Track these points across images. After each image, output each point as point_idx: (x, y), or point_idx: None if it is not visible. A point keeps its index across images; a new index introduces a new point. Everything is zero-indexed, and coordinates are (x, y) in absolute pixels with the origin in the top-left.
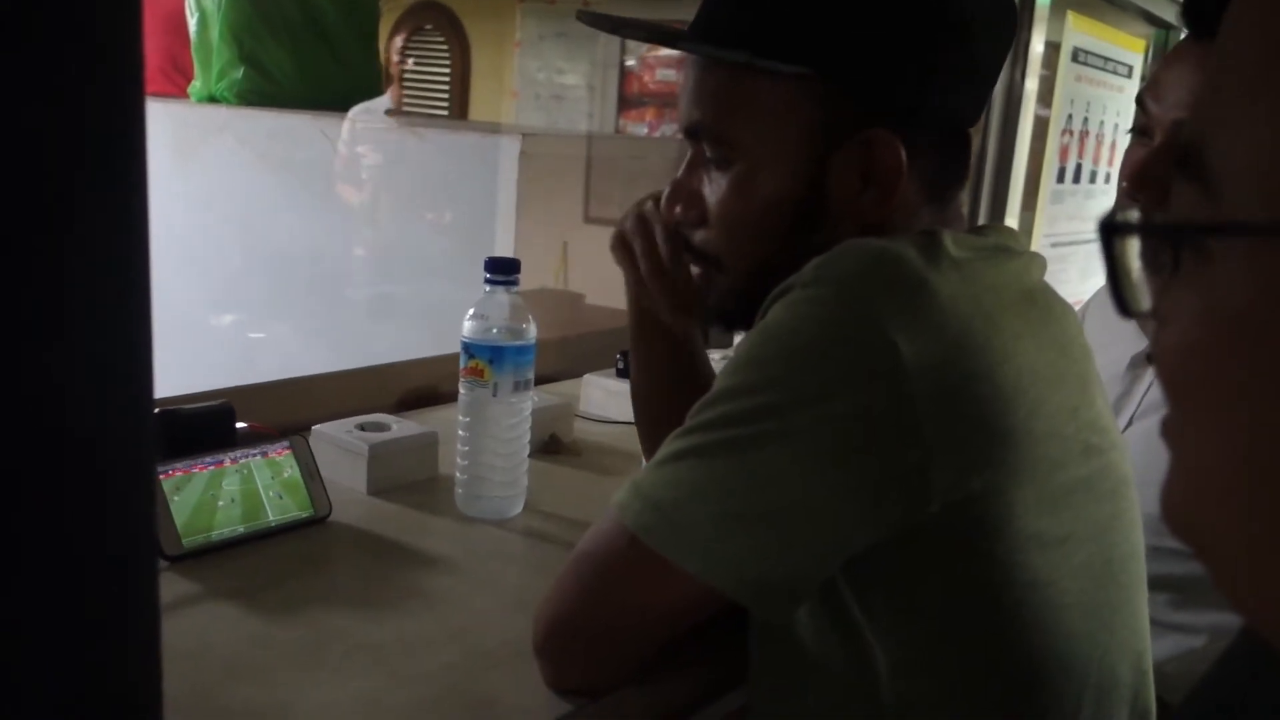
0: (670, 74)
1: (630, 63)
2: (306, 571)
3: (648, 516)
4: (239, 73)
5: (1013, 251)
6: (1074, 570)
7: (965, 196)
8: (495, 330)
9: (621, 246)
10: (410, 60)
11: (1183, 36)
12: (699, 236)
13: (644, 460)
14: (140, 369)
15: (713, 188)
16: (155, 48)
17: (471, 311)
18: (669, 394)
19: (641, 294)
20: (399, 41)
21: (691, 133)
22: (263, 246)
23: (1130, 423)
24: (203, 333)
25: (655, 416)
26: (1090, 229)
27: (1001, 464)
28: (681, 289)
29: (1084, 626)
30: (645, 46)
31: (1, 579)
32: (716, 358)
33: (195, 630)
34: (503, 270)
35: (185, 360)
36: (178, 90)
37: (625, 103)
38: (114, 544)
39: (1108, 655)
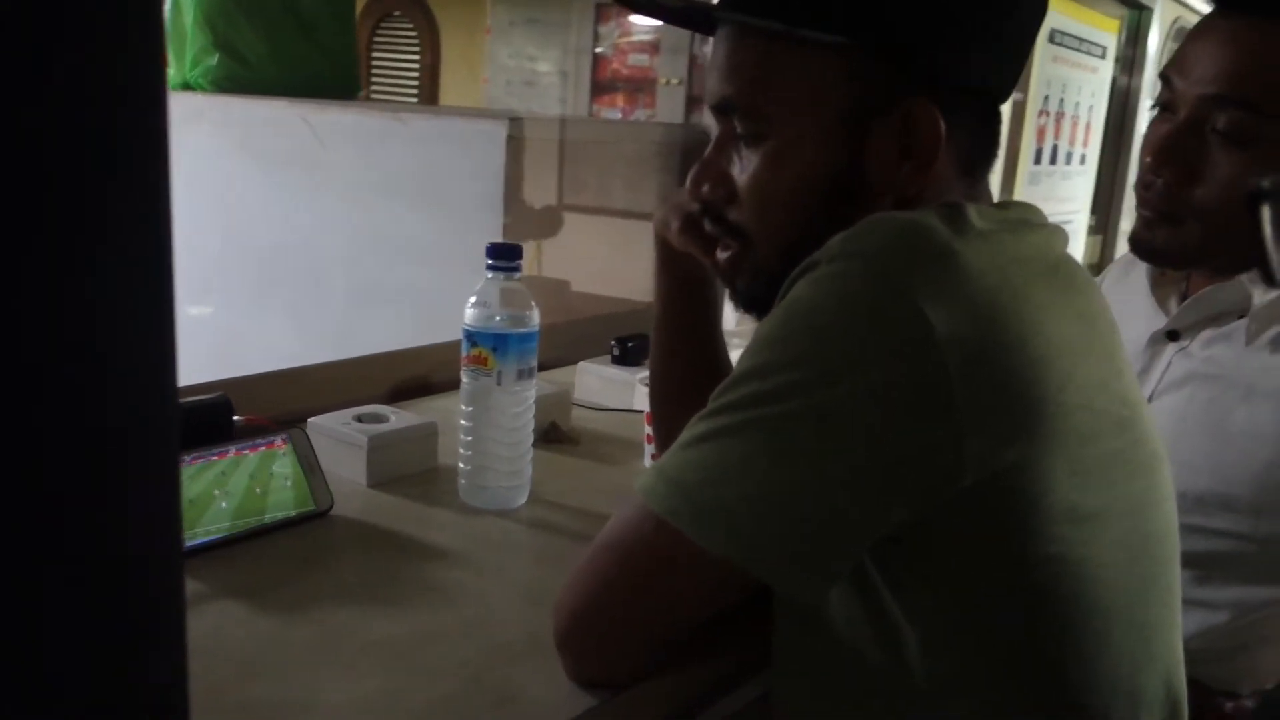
0: (643, 59)
1: (601, 49)
2: (313, 567)
3: (675, 500)
4: (214, 59)
5: (1035, 224)
6: (1108, 545)
7: None
8: (498, 318)
9: (674, 207)
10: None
11: (1208, 12)
12: (730, 215)
13: (649, 447)
14: (165, 362)
15: (744, 164)
16: None
17: (473, 299)
18: (690, 377)
19: (693, 245)
20: (367, 29)
21: (721, 108)
22: (245, 235)
23: (1150, 400)
24: (183, 324)
25: (672, 399)
26: (1067, 209)
27: (1034, 436)
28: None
29: (1121, 602)
30: (617, 32)
31: (29, 576)
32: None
33: (206, 629)
34: (504, 256)
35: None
36: None
37: (598, 88)
38: (137, 541)
39: (1143, 631)
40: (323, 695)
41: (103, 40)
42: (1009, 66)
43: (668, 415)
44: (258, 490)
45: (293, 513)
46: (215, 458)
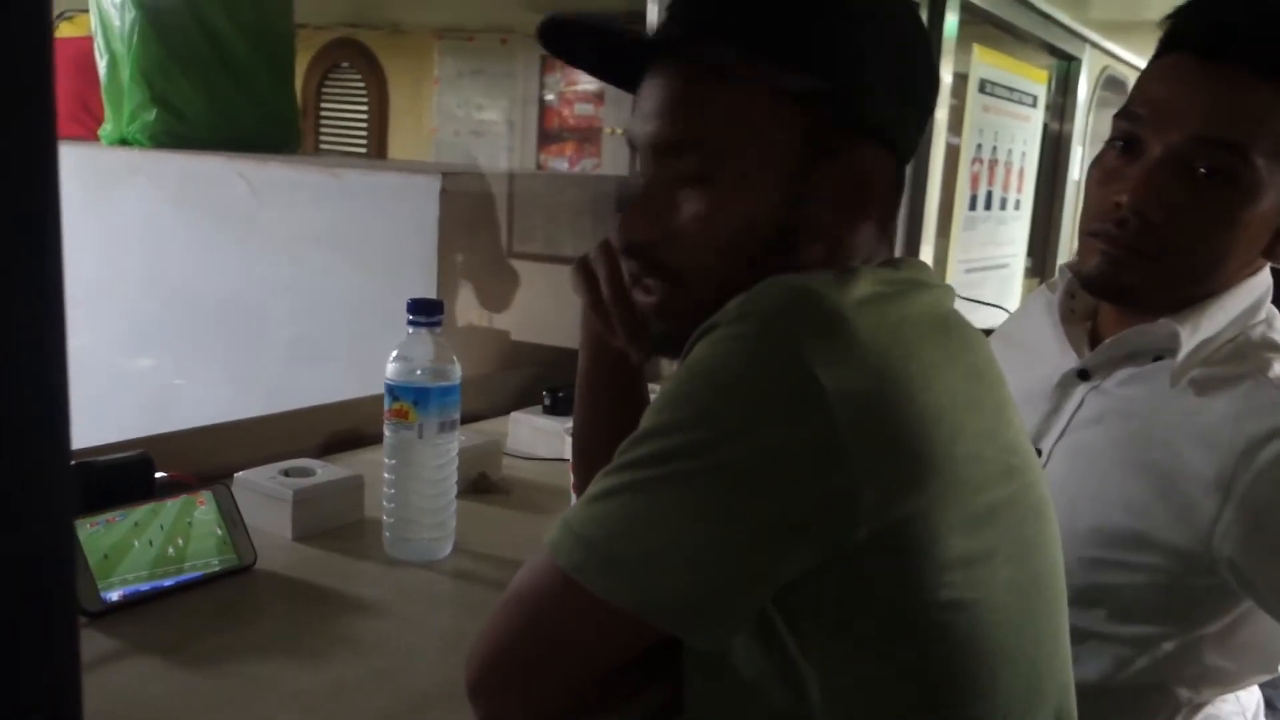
0: (589, 109)
1: (550, 98)
2: (234, 622)
3: (580, 554)
4: (151, 114)
5: (926, 284)
6: (999, 588)
7: None
8: (419, 371)
9: (583, 273)
10: (326, 100)
11: (1174, 53)
12: (661, 253)
13: (573, 496)
14: (57, 419)
15: (684, 206)
16: (64, 91)
17: (395, 353)
18: (612, 429)
19: (599, 323)
20: (314, 80)
21: (663, 149)
22: (179, 290)
23: (1061, 436)
24: (117, 380)
25: (593, 451)
26: (1005, 253)
27: (926, 488)
28: (642, 316)
29: (1013, 642)
30: (562, 82)
31: None
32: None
33: (119, 688)
34: (425, 311)
35: (100, 409)
36: (88, 133)
37: (545, 138)
38: (31, 603)
39: (1035, 668)
40: None
41: None
42: (920, 126)
43: (587, 468)
44: (178, 542)
45: (215, 567)
46: (136, 516)
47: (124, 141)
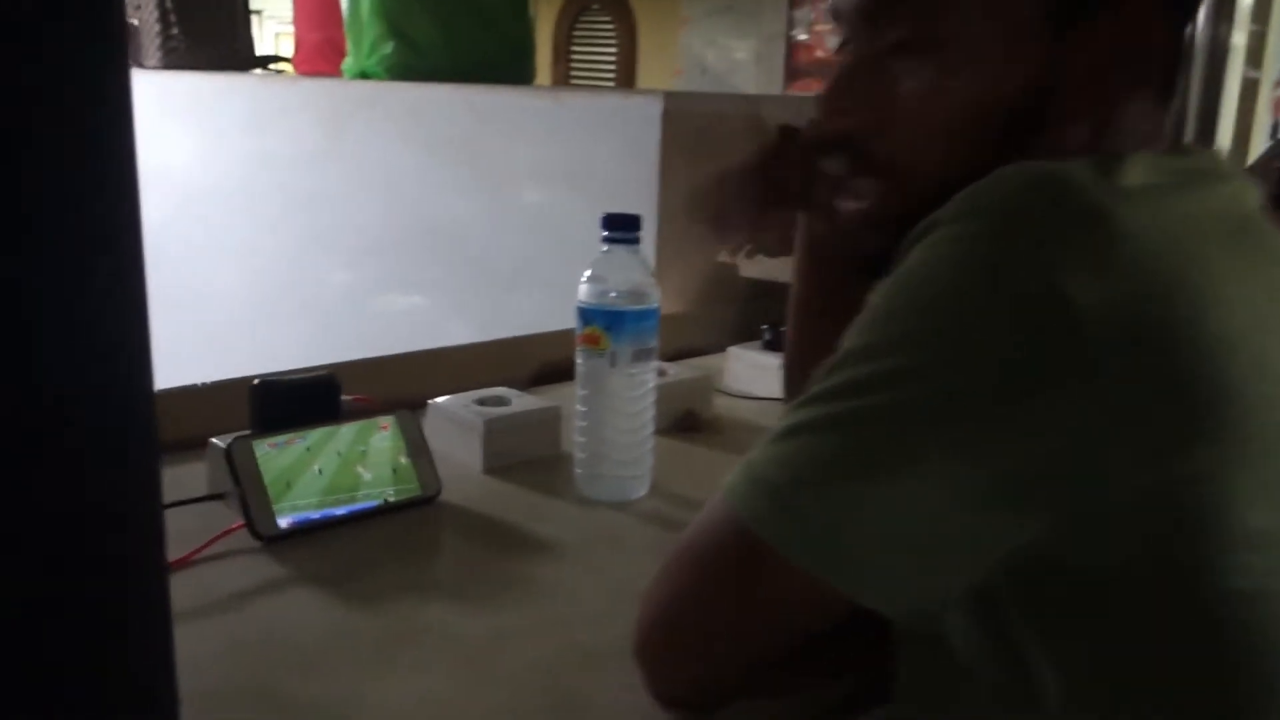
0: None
1: (797, 34)
2: (405, 556)
3: (758, 502)
4: (388, 47)
5: (1220, 175)
6: None
7: None
8: (613, 293)
9: (768, 173)
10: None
11: None
12: (872, 144)
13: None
14: (137, 354)
15: (898, 82)
16: (312, 28)
17: (588, 273)
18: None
19: (816, 226)
20: (566, 23)
21: (866, 8)
22: (403, 219)
23: None
24: (346, 309)
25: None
26: None
27: (1209, 439)
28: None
29: None
30: (812, 15)
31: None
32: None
33: (276, 619)
34: (621, 227)
35: (332, 333)
36: (334, 70)
37: (793, 74)
38: (114, 544)
39: None
40: (374, 697)
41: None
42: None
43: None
44: (356, 468)
45: (393, 497)
46: (316, 438)
47: (363, 75)
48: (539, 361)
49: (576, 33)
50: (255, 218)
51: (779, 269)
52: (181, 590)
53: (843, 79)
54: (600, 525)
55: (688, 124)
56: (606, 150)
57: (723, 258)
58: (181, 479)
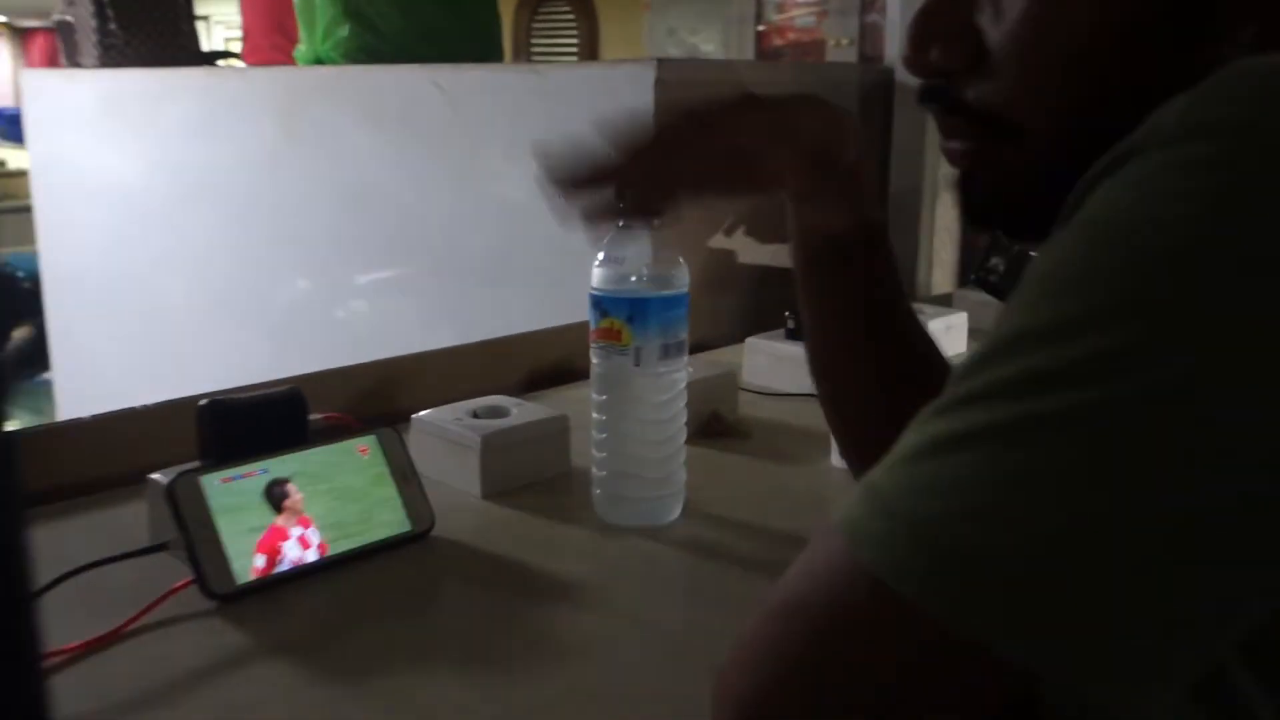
0: (810, 20)
1: (765, 18)
2: (395, 612)
3: (901, 548)
4: (344, 30)
5: None
6: None
7: None
8: (635, 277)
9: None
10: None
11: None
12: (975, 91)
13: (835, 445)
14: None
15: (999, 10)
16: (260, 14)
17: (602, 254)
18: (862, 348)
19: (806, 200)
20: (525, 18)
21: None
22: (370, 212)
23: None
24: (320, 313)
25: (843, 385)
26: None
27: None
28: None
29: None
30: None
31: None
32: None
33: (235, 701)
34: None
35: (296, 345)
36: (286, 58)
37: (763, 58)
38: None
39: None
40: None
41: None
42: None
43: (846, 414)
44: (336, 507)
45: (379, 535)
46: (279, 470)
47: (318, 61)
48: (531, 364)
49: (536, 24)
50: (209, 222)
51: (775, 255)
52: (116, 669)
53: (928, 11)
54: (629, 558)
55: (684, 95)
56: (588, 129)
57: (716, 243)
58: (121, 524)
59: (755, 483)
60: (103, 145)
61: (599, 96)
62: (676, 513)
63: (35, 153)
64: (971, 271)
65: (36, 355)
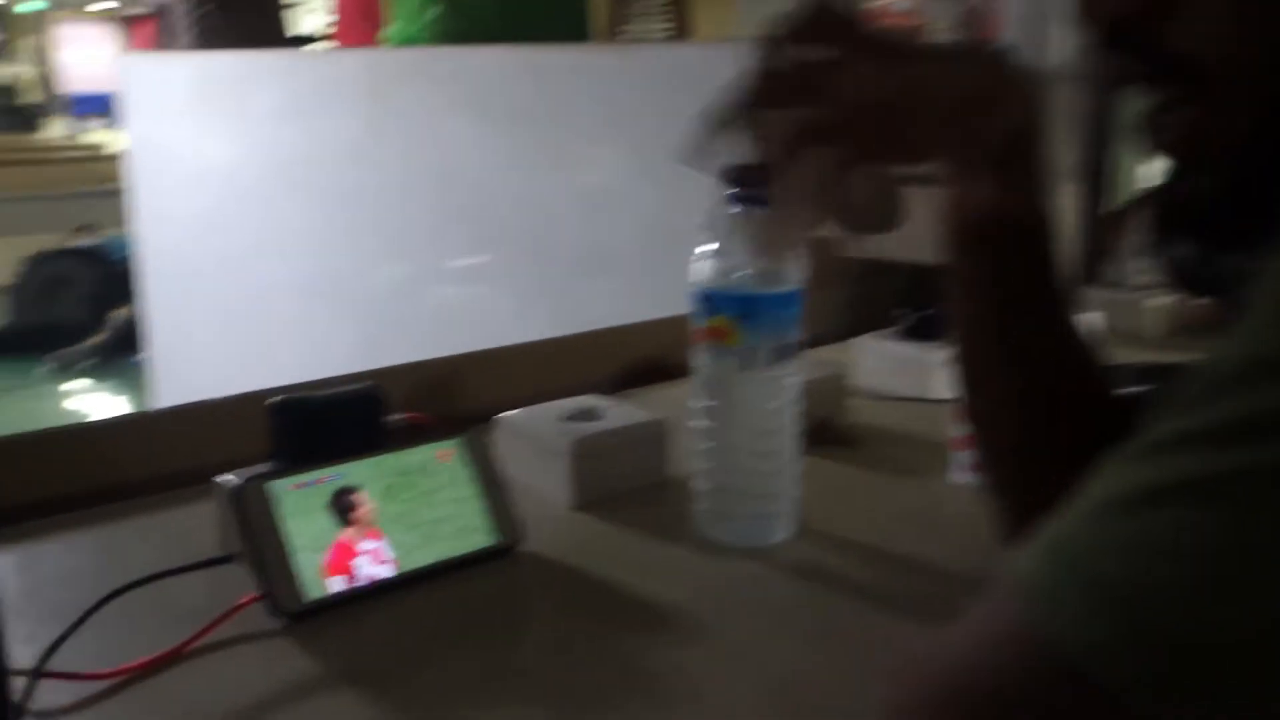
0: (905, 3)
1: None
2: (478, 634)
3: (1103, 627)
4: (434, 11)
5: None
6: None
7: None
8: (744, 273)
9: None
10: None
11: None
12: (1171, 35)
13: (958, 455)
14: None
15: None
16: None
17: (707, 246)
18: (1028, 358)
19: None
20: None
21: None
22: (463, 201)
23: None
24: (409, 301)
25: (987, 395)
26: None
27: None
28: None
29: None
30: None
31: None
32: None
33: None
34: (754, 182)
35: (385, 332)
36: (369, 40)
37: None
38: None
39: None
40: None
41: None
42: None
43: (998, 427)
44: (414, 518)
45: (461, 550)
46: (353, 476)
47: (408, 43)
48: (624, 360)
49: (625, 4)
50: (301, 206)
51: (882, 246)
52: (172, 693)
53: None
54: (735, 582)
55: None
56: (689, 110)
57: (815, 232)
58: (187, 528)
59: (870, 498)
60: (196, 128)
61: (692, 78)
62: (788, 532)
63: (132, 135)
64: (1147, 256)
65: (135, 336)
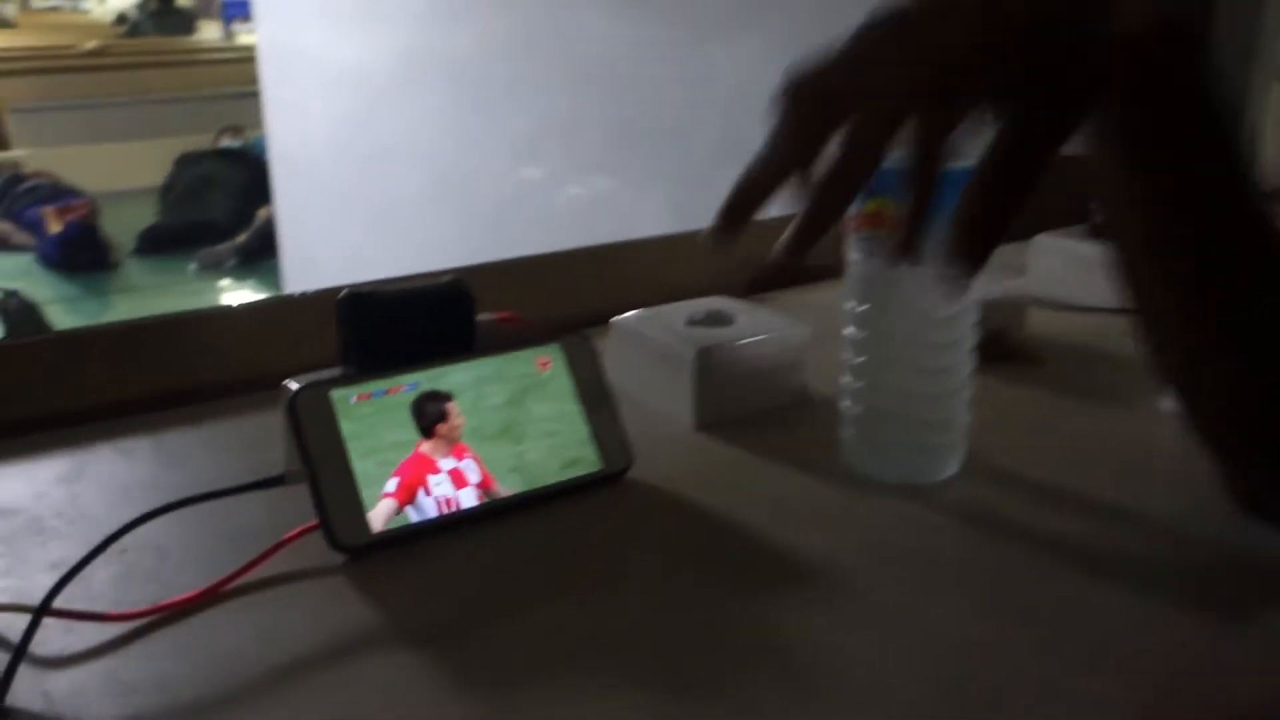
0: None
1: None
2: (574, 580)
3: None
4: None
5: None
6: None
7: None
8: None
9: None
10: None
11: None
12: None
13: (1152, 370)
14: None
15: None
16: None
17: None
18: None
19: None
20: None
21: None
22: (592, 90)
23: None
24: (541, 200)
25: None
26: None
27: None
28: None
29: None
30: None
31: None
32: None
33: (351, 698)
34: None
35: (515, 231)
36: None
37: None
38: None
39: None
40: None
41: None
42: None
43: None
44: (505, 437)
45: (559, 476)
46: (433, 386)
47: None
48: (759, 258)
49: None
50: (432, 105)
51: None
52: (208, 638)
53: None
54: (891, 527)
55: None
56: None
57: None
58: (257, 439)
59: (1055, 428)
60: (328, 27)
61: None
62: (954, 467)
63: (263, 34)
64: None
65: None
